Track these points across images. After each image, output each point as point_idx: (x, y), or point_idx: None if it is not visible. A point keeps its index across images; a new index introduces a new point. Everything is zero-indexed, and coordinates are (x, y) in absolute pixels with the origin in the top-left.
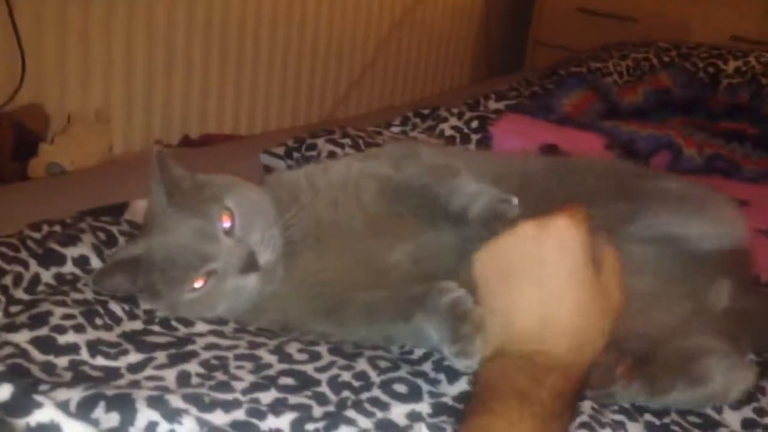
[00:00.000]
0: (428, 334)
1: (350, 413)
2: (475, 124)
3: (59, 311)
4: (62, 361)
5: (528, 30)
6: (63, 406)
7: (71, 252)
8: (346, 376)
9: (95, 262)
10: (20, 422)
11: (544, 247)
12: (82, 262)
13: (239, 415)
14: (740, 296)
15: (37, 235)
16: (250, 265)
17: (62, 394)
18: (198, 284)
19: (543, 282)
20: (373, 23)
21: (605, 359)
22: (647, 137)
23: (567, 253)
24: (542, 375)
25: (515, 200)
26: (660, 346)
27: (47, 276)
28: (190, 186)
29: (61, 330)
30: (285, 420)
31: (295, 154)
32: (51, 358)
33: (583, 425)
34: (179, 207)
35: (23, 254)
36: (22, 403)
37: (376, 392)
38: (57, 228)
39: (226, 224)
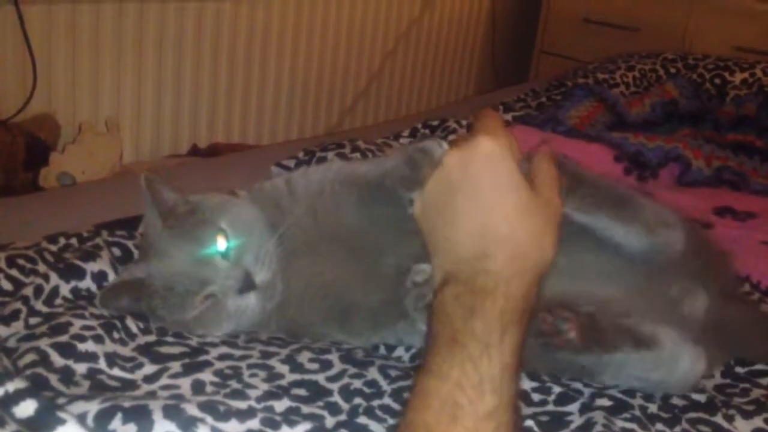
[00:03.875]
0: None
1: (362, 420)
2: None
3: (79, 323)
4: (81, 368)
5: (534, 40)
6: (80, 419)
7: (91, 267)
8: (357, 384)
9: (112, 278)
10: None
11: (470, 169)
12: (100, 277)
13: (254, 424)
14: (718, 307)
15: (53, 248)
16: (247, 285)
17: (79, 406)
18: (198, 305)
19: (476, 197)
20: (379, 34)
21: (558, 311)
22: (655, 149)
23: (494, 167)
24: (479, 301)
25: (443, 143)
26: (617, 318)
27: (65, 289)
28: (183, 210)
29: (80, 338)
30: (299, 431)
31: (303, 167)
32: (71, 362)
33: None
34: (174, 232)
35: (41, 267)
36: (46, 420)
37: (387, 400)
38: (73, 241)
39: (221, 246)
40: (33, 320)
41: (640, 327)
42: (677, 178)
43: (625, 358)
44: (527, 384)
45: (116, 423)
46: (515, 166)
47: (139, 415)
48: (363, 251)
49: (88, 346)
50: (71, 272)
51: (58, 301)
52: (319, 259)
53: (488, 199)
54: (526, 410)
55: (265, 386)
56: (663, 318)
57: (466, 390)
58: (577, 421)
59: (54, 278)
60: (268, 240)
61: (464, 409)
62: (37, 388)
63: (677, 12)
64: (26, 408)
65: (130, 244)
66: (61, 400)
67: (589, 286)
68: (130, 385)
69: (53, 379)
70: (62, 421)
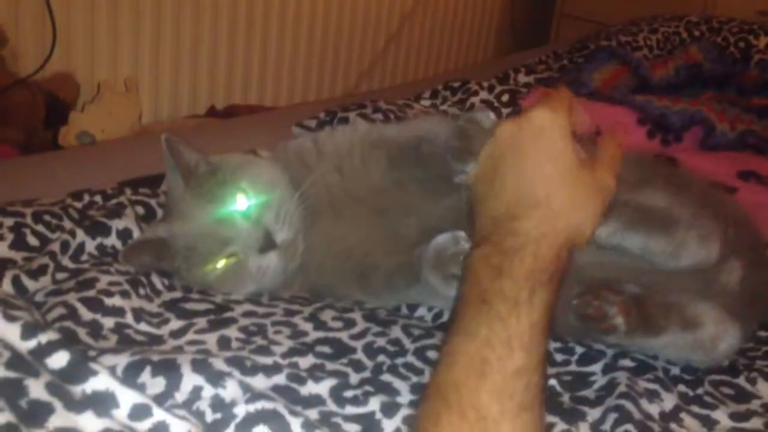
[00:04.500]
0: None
1: (386, 377)
2: (505, 97)
3: (105, 278)
4: (108, 322)
5: (553, 2)
6: (110, 372)
7: (116, 224)
8: (380, 342)
9: (137, 236)
10: (76, 389)
11: (520, 139)
12: (125, 234)
13: (280, 379)
14: (751, 274)
15: (78, 204)
16: (267, 244)
17: (109, 359)
18: (220, 264)
19: (519, 164)
20: None
21: (604, 294)
22: (679, 112)
23: (543, 138)
24: (507, 260)
25: (490, 114)
26: (659, 295)
27: (91, 246)
28: (204, 170)
29: (108, 294)
30: (324, 386)
31: (327, 127)
32: (98, 317)
33: (622, 395)
34: (196, 192)
35: (67, 223)
36: (78, 371)
37: (411, 358)
38: (98, 198)
39: (242, 206)
40: (60, 275)
41: (685, 307)
42: (701, 142)
43: (670, 341)
44: (550, 344)
45: (145, 376)
46: (567, 140)
47: (168, 368)
48: (387, 212)
49: (115, 301)
50: (97, 229)
51: (84, 257)
52: (342, 222)
53: (529, 164)
54: (550, 370)
55: (289, 343)
56: (701, 292)
57: (494, 347)
58: (600, 381)
59: (80, 234)
60: (290, 199)
61: (493, 366)
62: (69, 341)
63: None
64: (59, 359)
65: (153, 202)
66: (91, 353)
67: (627, 260)
68: (157, 339)
69: (82, 333)
70: (94, 372)
